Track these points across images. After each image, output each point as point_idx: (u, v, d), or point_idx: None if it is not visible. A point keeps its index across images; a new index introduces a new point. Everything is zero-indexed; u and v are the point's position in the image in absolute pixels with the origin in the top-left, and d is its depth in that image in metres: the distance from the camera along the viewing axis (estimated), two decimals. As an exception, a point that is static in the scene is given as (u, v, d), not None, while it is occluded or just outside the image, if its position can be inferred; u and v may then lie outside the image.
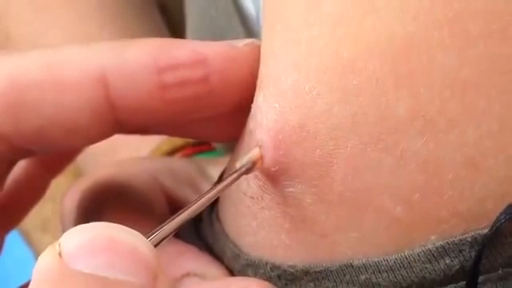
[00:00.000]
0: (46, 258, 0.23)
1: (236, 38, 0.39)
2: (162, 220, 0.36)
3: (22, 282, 0.53)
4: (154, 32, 0.54)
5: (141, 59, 0.29)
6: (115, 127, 0.31)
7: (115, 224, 0.24)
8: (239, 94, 0.30)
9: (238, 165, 0.27)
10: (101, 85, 0.30)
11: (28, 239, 0.56)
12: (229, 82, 0.30)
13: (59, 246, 0.23)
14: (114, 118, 0.30)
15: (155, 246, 0.25)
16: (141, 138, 0.50)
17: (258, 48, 0.29)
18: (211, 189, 0.27)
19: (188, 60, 0.29)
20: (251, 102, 0.29)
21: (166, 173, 0.40)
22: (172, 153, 0.49)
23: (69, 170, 0.59)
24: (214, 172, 0.42)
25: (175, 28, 0.56)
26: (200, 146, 0.49)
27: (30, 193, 0.39)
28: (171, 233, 0.25)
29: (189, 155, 0.49)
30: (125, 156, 0.50)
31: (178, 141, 0.49)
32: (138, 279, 0.23)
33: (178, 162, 0.42)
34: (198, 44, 0.30)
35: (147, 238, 0.24)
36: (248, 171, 0.27)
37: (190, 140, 0.49)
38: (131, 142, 0.51)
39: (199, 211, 0.27)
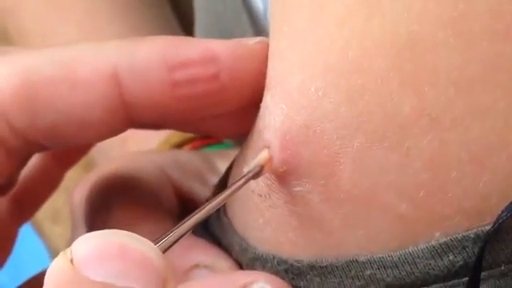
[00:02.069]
0: (58, 263, 0.23)
1: (244, 34, 0.39)
2: (170, 213, 0.37)
3: (33, 273, 0.54)
4: (164, 26, 0.55)
5: (152, 57, 0.30)
6: (127, 123, 0.32)
7: (125, 231, 0.24)
8: (249, 91, 0.30)
9: (245, 169, 0.28)
10: (113, 82, 0.30)
11: (39, 230, 0.57)
12: (239, 79, 0.30)
13: (71, 252, 0.23)
14: (125, 115, 0.31)
15: (165, 250, 0.25)
16: (150, 131, 0.51)
17: (267, 46, 0.30)
18: (221, 193, 0.28)
19: (198, 57, 0.30)
20: (261, 99, 0.30)
21: (174, 166, 0.40)
22: (181, 145, 0.49)
23: (79, 163, 0.60)
24: (222, 165, 0.43)
25: (185, 21, 0.56)
26: (208, 139, 0.49)
27: (44, 186, 0.39)
28: (180, 237, 0.26)
29: (197, 147, 0.49)
30: (134, 147, 0.51)
31: (186, 133, 0.49)
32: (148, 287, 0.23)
33: (186, 155, 0.43)
34: (208, 42, 0.30)
35: (157, 243, 0.25)
36: (256, 175, 0.28)
37: None
38: (140, 134, 0.51)
39: (208, 215, 0.27)
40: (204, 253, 0.32)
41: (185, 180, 0.40)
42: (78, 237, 0.38)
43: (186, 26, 0.56)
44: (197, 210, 0.27)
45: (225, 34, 0.41)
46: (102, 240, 0.23)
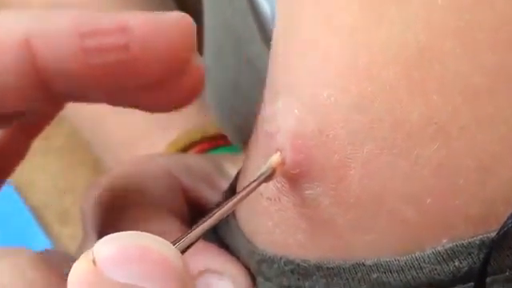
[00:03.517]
0: (81, 265, 0.24)
1: (252, 37, 0.40)
2: (180, 217, 0.37)
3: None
4: None
5: (64, 23, 0.30)
6: (43, 91, 0.32)
7: (146, 233, 0.25)
8: (164, 64, 0.31)
9: (258, 172, 0.28)
10: (25, 48, 0.30)
11: (48, 232, 0.58)
12: (152, 51, 0.30)
13: (92, 253, 0.24)
14: (40, 82, 0.31)
15: (183, 252, 0.25)
16: (158, 132, 0.51)
17: (190, 23, 0.30)
18: (234, 196, 0.28)
19: (109, 27, 0.30)
20: (179, 73, 0.30)
21: (182, 169, 0.40)
22: (189, 147, 0.50)
23: (88, 164, 0.61)
24: (231, 169, 0.43)
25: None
26: (217, 141, 0.50)
27: (9, 158, 0.40)
28: (196, 239, 0.26)
29: (205, 150, 0.50)
30: (142, 151, 0.51)
31: (194, 135, 0.50)
32: None
33: (194, 159, 0.43)
34: (123, 14, 0.31)
35: (174, 245, 0.25)
36: (269, 178, 0.28)
37: (207, 134, 0.50)
38: (148, 136, 0.52)
39: (222, 218, 0.27)
40: (213, 258, 0.32)
41: (193, 184, 0.40)
42: (89, 242, 0.39)
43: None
44: (210, 214, 0.27)
45: (232, 37, 0.41)
46: (124, 242, 0.24)
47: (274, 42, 0.30)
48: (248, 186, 0.28)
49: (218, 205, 0.28)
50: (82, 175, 0.59)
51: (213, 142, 0.49)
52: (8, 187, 0.60)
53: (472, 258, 0.27)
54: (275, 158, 0.28)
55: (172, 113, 0.52)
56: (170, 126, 0.51)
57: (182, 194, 0.39)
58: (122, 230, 0.35)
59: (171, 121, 0.51)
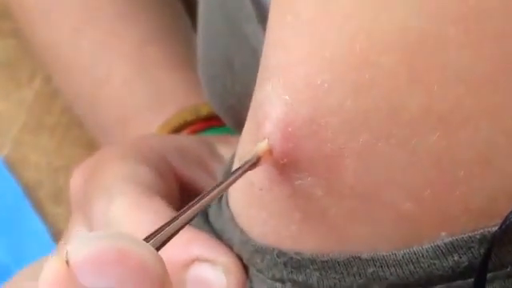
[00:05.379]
0: (54, 265, 0.22)
1: (248, 17, 0.38)
2: (171, 201, 0.36)
3: (35, 254, 0.53)
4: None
5: None
6: None
7: (124, 234, 0.23)
8: None
9: (243, 160, 0.27)
10: None
11: (40, 211, 0.57)
12: None
13: (67, 253, 0.22)
14: None
15: (159, 248, 0.24)
16: (151, 112, 0.50)
17: None
18: (216, 185, 0.27)
19: None
20: None
21: (175, 152, 0.40)
22: (182, 127, 0.49)
23: (82, 142, 0.59)
24: (224, 151, 0.42)
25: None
26: (211, 121, 0.49)
27: None
28: (176, 232, 0.25)
29: (199, 130, 0.49)
30: (135, 130, 0.50)
31: (187, 115, 0.49)
32: None
33: (187, 141, 0.42)
34: None
35: (152, 237, 0.24)
36: (253, 166, 0.27)
37: (200, 114, 0.49)
38: (142, 115, 0.51)
39: (204, 207, 0.26)
40: (204, 247, 0.31)
41: (186, 167, 0.40)
42: (76, 226, 0.38)
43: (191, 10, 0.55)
44: (191, 203, 0.26)
45: (227, 15, 0.40)
46: (100, 244, 0.23)
47: (268, 22, 0.29)
48: (232, 173, 0.27)
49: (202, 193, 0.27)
50: (76, 153, 0.58)
51: (206, 123, 0.48)
52: (-1, 163, 0.59)
53: (472, 252, 0.26)
54: (261, 146, 0.27)
55: (166, 92, 0.51)
56: (163, 105, 0.50)
57: (174, 178, 0.39)
58: (111, 218, 0.34)
59: (165, 100, 0.50)
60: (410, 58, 0.25)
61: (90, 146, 0.58)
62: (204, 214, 0.33)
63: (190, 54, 0.51)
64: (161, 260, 0.24)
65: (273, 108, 0.27)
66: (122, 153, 0.38)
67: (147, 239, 0.24)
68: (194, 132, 0.48)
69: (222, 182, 0.27)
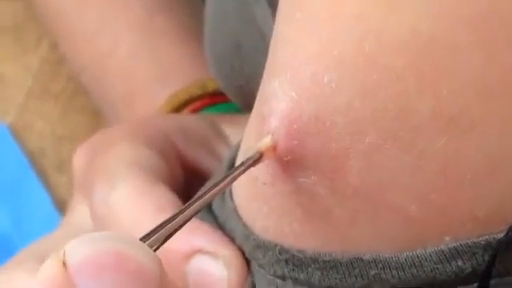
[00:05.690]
0: (51, 266, 0.22)
1: (253, 7, 0.38)
2: (175, 184, 0.36)
3: (37, 223, 0.53)
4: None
5: None
6: None
7: (122, 236, 0.23)
8: None
9: (246, 155, 0.27)
10: None
11: (44, 180, 0.56)
12: None
13: (64, 254, 0.22)
14: None
15: (156, 248, 0.24)
16: (158, 85, 0.50)
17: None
18: (217, 182, 0.27)
19: None
20: None
21: (179, 132, 0.39)
22: (189, 102, 0.48)
23: (87, 111, 0.59)
24: (230, 132, 0.42)
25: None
26: (217, 97, 0.48)
27: None
28: (175, 231, 0.25)
29: (206, 105, 0.48)
30: (142, 103, 0.50)
31: (194, 90, 0.48)
32: None
33: (192, 121, 0.41)
34: None
35: (151, 235, 0.24)
36: (256, 162, 0.27)
37: (207, 90, 0.48)
38: (149, 89, 0.50)
39: (204, 206, 0.26)
40: (207, 238, 0.31)
41: (190, 148, 0.39)
42: (77, 205, 0.37)
43: None
44: (192, 200, 0.26)
45: (238, 1, 0.39)
46: (99, 246, 0.22)
47: (277, 17, 0.28)
48: (235, 169, 0.27)
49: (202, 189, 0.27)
50: (80, 123, 0.58)
51: (213, 98, 0.48)
52: (4, 130, 0.58)
53: (476, 258, 0.26)
54: (265, 142, 0.27)
55: (173, 66, 0.50)
56: (170, 78, 0.50)
57: (178, 160, 0.38)
58: (112, 204, 0.34)
59: (172, 74, 0.50)
60: (419, 61, 0.25)
61: (96, 116, 0.57)
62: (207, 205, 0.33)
63: (198, 26, 0.51)
64: (159, 262, 0.23)
65: (279, 104, 0.27)
66: (126, 134, 0.38)
67: (146, 238, 0.24)
68: (201, 107, 0.48)
69: (223, 179, 0.27)
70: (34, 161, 0.57)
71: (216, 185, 0.26)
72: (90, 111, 0.59)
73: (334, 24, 0.26)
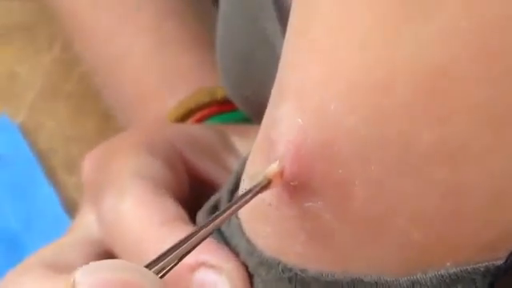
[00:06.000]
0: None
1: (267, 14, 0.38)
2: (181, 196, 0.37)
3: (46, 222, 0.54)
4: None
5: None
6: None
7: (129, 264, 0.24)
8: None
9: (254, 182, 0.27)
10: None
11: (53, 179, 0.57)
12: None
13: (73, 282, 0.23)
14: None
15: (164, 274, 0.25)
16: (168, 91, 0.50)
17: None
18: (221, 211, 0.27)
19: None
20: None
21: (187, 142, 0.40)
22: (196, 110, 0.49)
23: (98, 112, 0.60)
24: (238, 143, 0.42)
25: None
26: (226, 105, 0.49)
27: None
28: (182, 257, 0.25)
29: (214, 113, 0.48)
30: (153, 108, 0.50)
31: (202, 97, 0.49)
32: None
33: (200, 131, 0.42)
34: None
35: (159, 261, 0.25)
36: (264, 188, 0.27)
37: (216, 97, 0.49)
38: (160, 94, 0.51)
39: (212, 232, 0.27)
40: (212, 252, 0.31)
41: (198, 158, 0.40)
42: (85, 215, 0.38)
43: None
44: (199, 226, 0.26)
45: (247, 11, 0.40)
46: (105, 275, 0.23)
47: (285, 42, 0.28)
48: (242, 196, 0.27)
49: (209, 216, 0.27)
50: (90, 124, 0.59)
51: (221, 107, 0.48)
52: (14, 128, 0.59)
53: (475, 284, 0.26)
54: (272, 169, 0.27)
55: (182, 72, 0.51)
56: (179, 85, 0.50)
57: (184, 170, 0.39)
58: (118, 216, 0.34)
59: (181, 80, 0.50)
60: (427, 92, 0.25)
61: (106, 117, 0.58)
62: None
63: (209, 34, 0.51)
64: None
65: (285, 130, 0.27)
66: (134, 142, 0.38)
67: (153, 264, 0.24)
68: (209, 115, 0.48)
69: (229, 206, 0.27)
70: (44, 160, 0.58)
71: (224, 211, 0.27)
72: (100, 112, 0.59)
73: (340, 53, 0.26)
